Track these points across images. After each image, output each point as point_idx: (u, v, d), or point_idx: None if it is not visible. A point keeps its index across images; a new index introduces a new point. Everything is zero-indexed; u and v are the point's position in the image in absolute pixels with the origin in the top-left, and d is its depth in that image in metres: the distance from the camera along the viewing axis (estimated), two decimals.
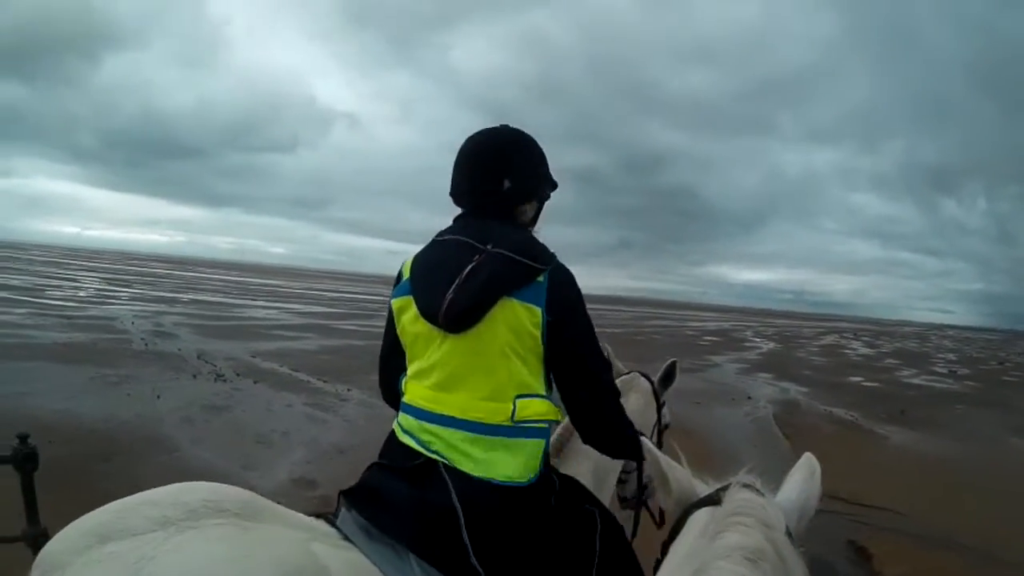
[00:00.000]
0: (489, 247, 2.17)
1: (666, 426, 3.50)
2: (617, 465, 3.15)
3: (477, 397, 2.13)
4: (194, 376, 13.20)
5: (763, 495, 1.42)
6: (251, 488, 1.99)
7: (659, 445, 3.30)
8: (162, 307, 28.85)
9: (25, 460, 2.79)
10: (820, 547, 6.70)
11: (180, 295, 38.29)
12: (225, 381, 13.04)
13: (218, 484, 1.82)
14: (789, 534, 1.32)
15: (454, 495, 2.03)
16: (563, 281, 2.20)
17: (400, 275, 2.35)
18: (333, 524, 2.05)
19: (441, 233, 2.36)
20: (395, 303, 2.33)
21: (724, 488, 1.45)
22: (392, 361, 2.45)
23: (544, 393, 2.23)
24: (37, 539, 2.74)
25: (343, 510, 2.10)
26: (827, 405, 16.29)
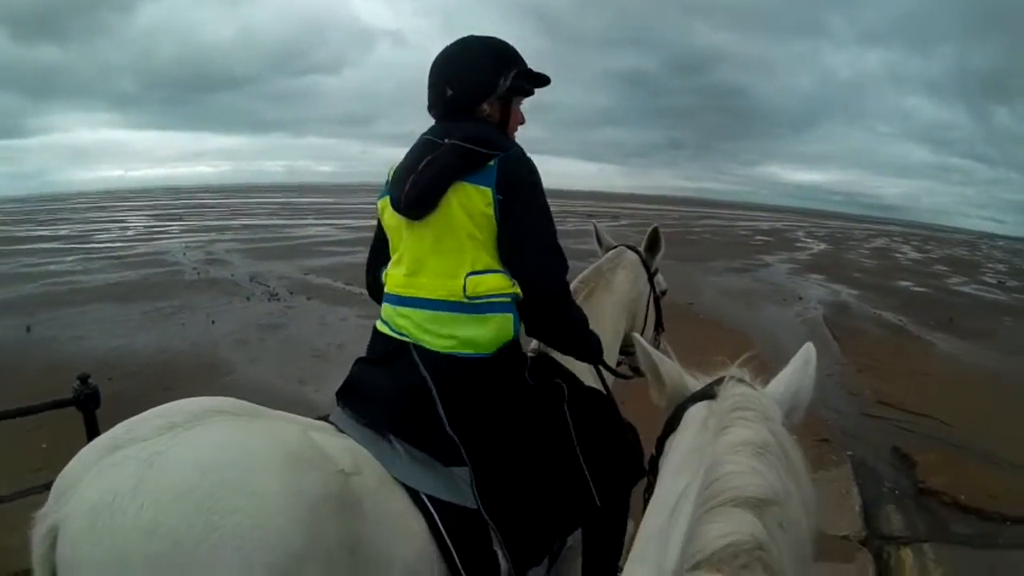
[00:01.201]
0: (446, 140, 2.29)
1: (663, 293, 3.57)
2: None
3: (438, 277, 2.28)
4: (248, 298, 13.52)
5: (756, 388, 1.45)
6: (308, 403, 2.11)
7: (657, 313, 3.49)
8: (212, 236, 28.87)
9: (88, 400, 2.89)
10: (865, 451, 6.88)
11: (230, 222, 38.30)
12: (279, 300, 13.36)
13: (223, 397, 1.92)
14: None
15: (424, 372, 2.22)
16: (515, 165, 2.29)
17: (386, 180, 2.50)
18: (328, 421, 2.24)
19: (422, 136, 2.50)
20: (380, 203, 2.48)
21: (717, 382, 1.47)
22: (375, 259, 2.63)
23: (500, 269, 2.32)
24: None
25: (337, 408, 2.30)
26: (876, 308, 16.17)
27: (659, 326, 3.52)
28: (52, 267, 19.06)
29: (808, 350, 1.62)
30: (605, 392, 2.81)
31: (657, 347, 3.27)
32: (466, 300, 2.25)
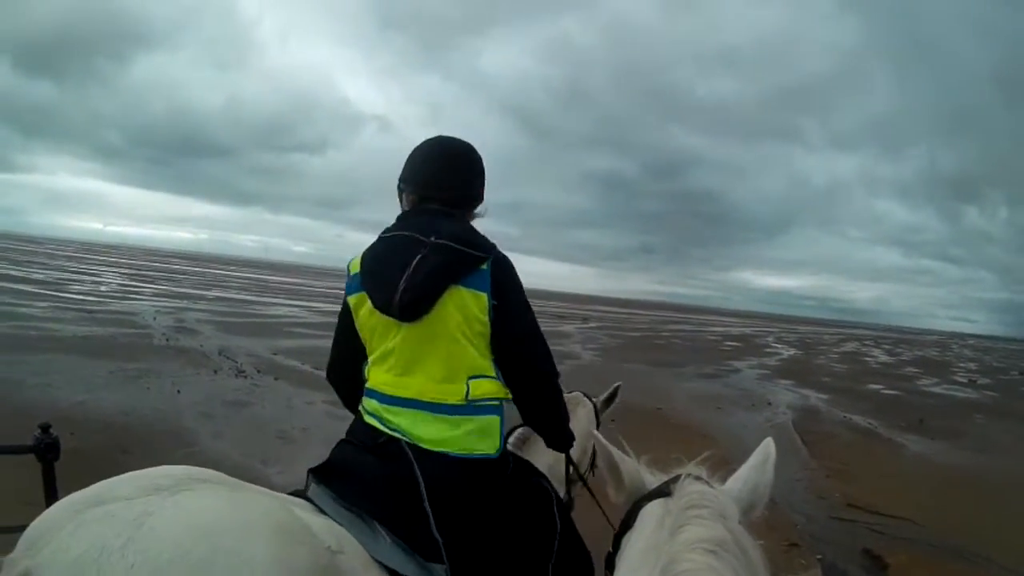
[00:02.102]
0: (432, 239, 2.32)
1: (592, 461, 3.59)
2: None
3: (434, 380, 2.30)
4: (215, 372, 13.27)
5: (712, 486, 1.46)
6: (271, 485, 2.09)
7: (591, 465, 3.52)
8: (184, 303, 29.04)
9: (47, 450, 2.82)
10: (835, 554, 6.75)
11: (202, 292, 38.56)
12: (246, 377, 13.09)
13: (204, 468, 1.90)
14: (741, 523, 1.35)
15: (416, 468, 2.20)
16: (505, 268, 2.38)
17: (349, 272, 2.50)
18: (305, 498, 2.18)
19: (386, 230, 2.50)
20: (351, 300, 2.47)
21: (674, 480, 1.48)
22: (349, 356, 2.60)
23: (493, 374, 2.40)
24: None
25: (312, 485, 2.23)
26: (846, 412, 16.21)
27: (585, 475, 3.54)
28: (23, 310, 19.07)
29: (767, 446, 1.65)
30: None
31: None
32: (467, 403, 2.30)
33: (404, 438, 2.26)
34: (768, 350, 39.40)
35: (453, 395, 2.29)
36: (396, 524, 2.11)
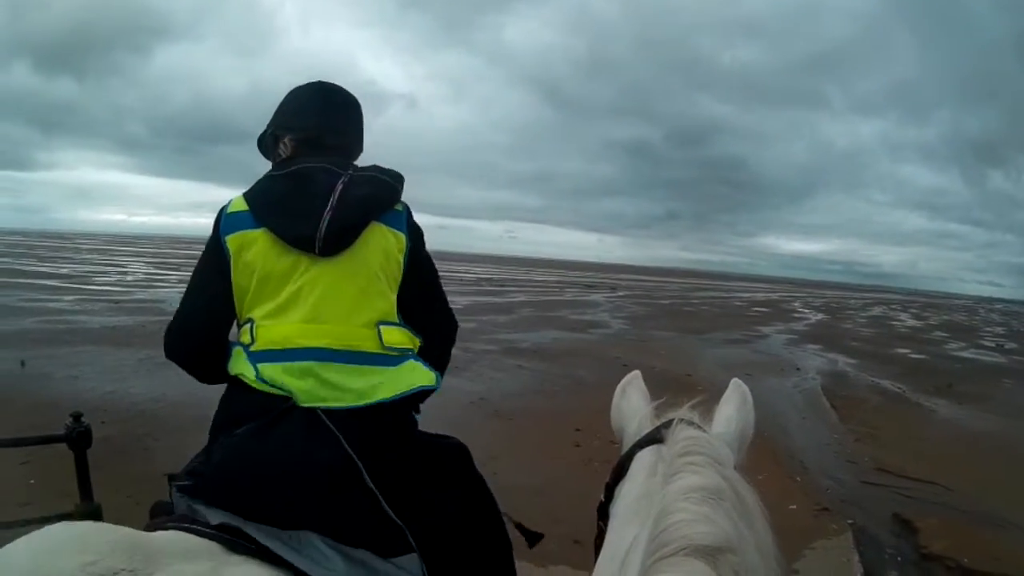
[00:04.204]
0: (351, 171, 2.15)
1: None
2: None
3: (353, 324, 2.00)
4: None
5: (705, 431, 1.39)
6: None
7: None
8: None
9: (79, 438, 2.87)
10: (865, 519, 6.83)
11: None
12: None
13: (85, 531, 1.39)
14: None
15: (342, 439, 1.83)
16: (411, 212, 2.26)
17: (224, 215, 2.09)
18: (218, 533, 1.64)
19: (276, 168, 2.23)
20: (231, 240, 2.03)
21: (666, 425, 1.40)
22: (216, 315, 2.10)
23: (399, 322, 2.14)
24: (89, 516, 2.84)
25: (214, 510, 1.72)
26: (875, 377, 16.17)
27: None
28: (51, 304, 19.27)
29: (739, 386, 1.60)
30: None
31: None
32: (383, 351, 2.02)
33: (319, 405, 1.87)
34: (795, 315, 39.24)
35: (368, 341, 2.00)
36: (340, 526, 1.73)
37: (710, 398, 1.55)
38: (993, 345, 28.10)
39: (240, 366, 1.98)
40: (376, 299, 2.06)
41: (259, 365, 1.94)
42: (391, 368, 2.02)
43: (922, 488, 7.76)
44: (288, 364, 1.92)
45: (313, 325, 1.96)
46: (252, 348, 1.98)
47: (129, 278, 32.46)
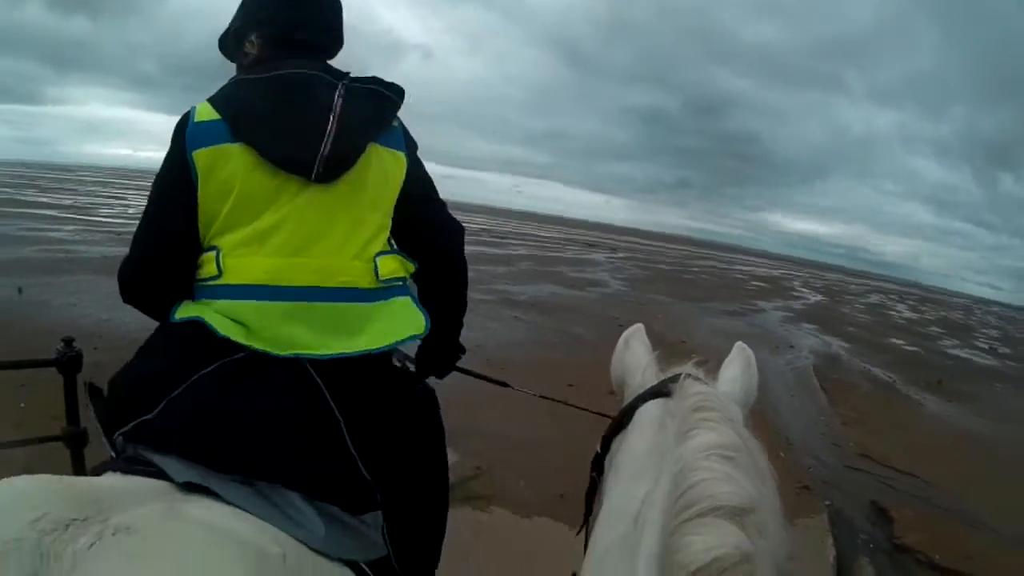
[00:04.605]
0: (347, 81, 1.88)
1: None
2: None
3: (346, 256, 1.78)
4: None
5: (715, 388, 1.36)
6: None
7: None
8: None
9: (69, 363, 2.83)
10: (843, 503, 6.87)
11: None
12: None
13: (25, 486, 1.18)
14: None
15: (326, 393, 1.66)
16: (406, 126, 2.03)
17: (189, 122, 1.78)
18: (157, 475, 1.45)
19: (254, 69, 1.93)
20: (199, 156, 1.73)
21: (672, 379, 1.37)
22: (178, 243, 1.82)
23: (394, 248, 1.99)
24: (75, 439, 2.87)
25: (169, 458, 1.48)
26: (867, 363, 16.16)
27: None
28: (51, 234, 19.14)
29: (744, 350, 1.59)
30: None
31: None
32: (379, 286, 1.83)
33: (301, 352, 1.67)
34: (794, 293, 39.12)
35: (364, 277, 1.79)
36: (317, 481, 1.55)
37: (710, 360, 1.51)
38: (987, 347, 28.10)
39: (198, 306, 1.74)
40: (373, 228, 1.86)
41: (228, 302, 1.70)
42: (383, 304, 1.83)
43: (903, 479, 7.78)
44: (268, 303, 1.68)
45: (299, 259, 1.72)
46: (218, 282, 1.73)
47: (131, 211, 31.98)
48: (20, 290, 10.79)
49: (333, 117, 1.76)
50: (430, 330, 1.92)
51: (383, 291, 1.84)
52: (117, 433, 1.58)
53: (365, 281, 1.79)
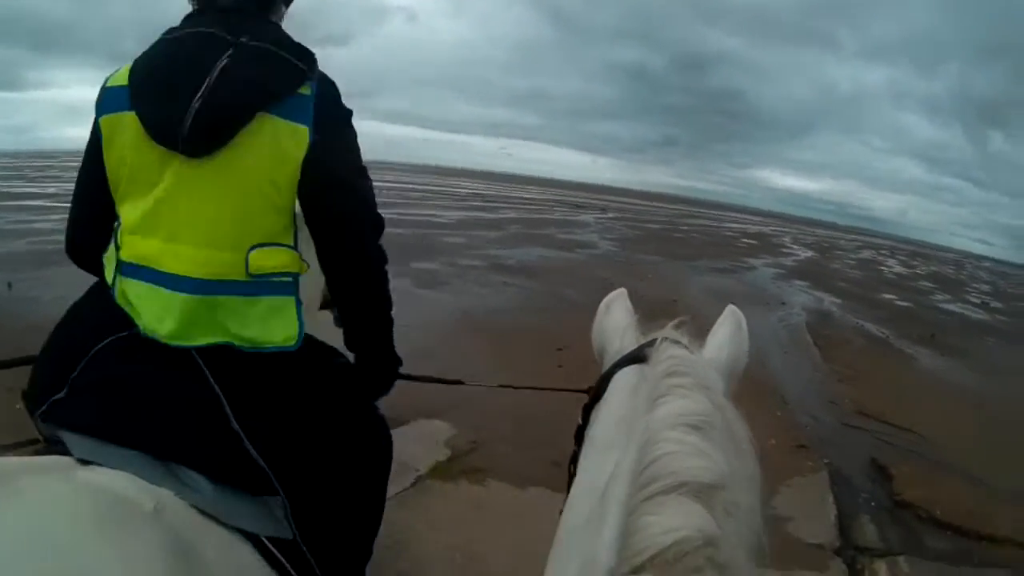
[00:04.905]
0: (244, 40, 1.66)
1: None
2: None
3: (217, 247, 1.65)
4: None
5: (692, 353, 1.27)
6: None
7: None
8: None
9: None
10: (842, 461, 6.80)
11: None
12: None
13: None
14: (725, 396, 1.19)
15: (207, 373, 1.63)
16: (333, 94, 1.77)
17: (103, 89, 1.72)
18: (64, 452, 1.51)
19: (169, 30, 1.75)
20: (104, 122, 1.69)
21: (649, 344, 1.28)
22: (94, 211, 1.85)
23: (292, 242, 1.77)
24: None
25: (76, 437, 1.52)
26: (860, 319, 16.12)
27: None
28: (38, 225, 18.58)
29: (734, 312, 1.51)
30: None
31: None
32: (248, 279, 1.69)
33: (180, 342, 1.64)
34: (784, 250, 39.17)
35: (234, 268, 1.66)
36: (206, 460, 1.53)
37: (697, 319, 1.37)
38: (979, 302, 28.23)
39: (108, 272, 1.76)
40: (256, 217, 1.68)
41: (122, 279, 1.71)
42: (253, 300, 1.71)
43: (900, 435, 7.74)
44: (150, 286, 1.66)
45: (172, 245, 1.64)
46: (120, 256, 1.72)
47: None
48: (9, 285, 10.45)
49: (209, 81, 1.58)
50: (352, 347, 1.98)
51: (253, 285, 1.70)
52: (36, 415, 1.62)
53: (235, 273, 1.67)
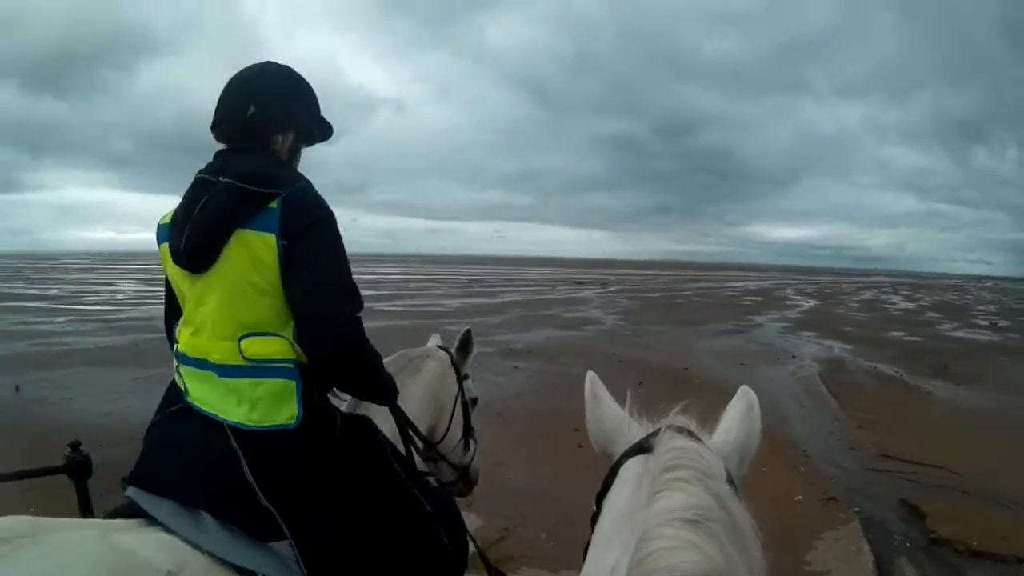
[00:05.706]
0: (222, 178, 2.05)
1: (473, 401, 3.43)
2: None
3: (219, 337, 2.05)
4: None
5: (698, 439, 1.30)
6: None
7: (465, 421, 3.31)
8: None
9: (79, 468, 2.77)
10: (872, 506, 6.81)
11: None
12: None
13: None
14: (731, 481, 1.21)
15: (231, 437, 1.99)
16: (301, 203, 2.04)
17: (158, 225, 2.23)
18: (133, 514, 1.95)
19: (199, 171, 2.20)
20: (161, 249, 2.19)
21: (655, 433, 1.32)
22: (171, 310, 2.35)
23: (285, 332, 2.08)
24: None
25: (132, 488, 2.00)
26: (871, 361, 16.19)
27: (468, 433, 3.33)
28: (42, 327, 19.01)
29: (747, 393, 1.52)
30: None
31: (466, 455, 3.25)
32: (246, 364, 2.04)
33: (208, 411, 2.06)
34: (788, 302, 39.35)
35: (231, 355, 2.04)
36: (223, 507, 1.90)
37: (710, 386, 1.47)
38: (986, 324, 28.19)
39: (174, 359, 2.24)
40: (243, 311, 2.05)
41: (177, 363, 2.20)
42: (252, 382, 2.06)
43: (926, 472, 7.74)
44: (189, 369, 2.14)
45: (196, 338, 2.12)
46: (176, 347, 2.22)
47: (119, 296, 32.11)
48: (17, 388, 10.63)
49: (192, 216, 2.06)
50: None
51: (251, 370, 2.05)
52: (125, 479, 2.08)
53: (235, 359, 2.05)
